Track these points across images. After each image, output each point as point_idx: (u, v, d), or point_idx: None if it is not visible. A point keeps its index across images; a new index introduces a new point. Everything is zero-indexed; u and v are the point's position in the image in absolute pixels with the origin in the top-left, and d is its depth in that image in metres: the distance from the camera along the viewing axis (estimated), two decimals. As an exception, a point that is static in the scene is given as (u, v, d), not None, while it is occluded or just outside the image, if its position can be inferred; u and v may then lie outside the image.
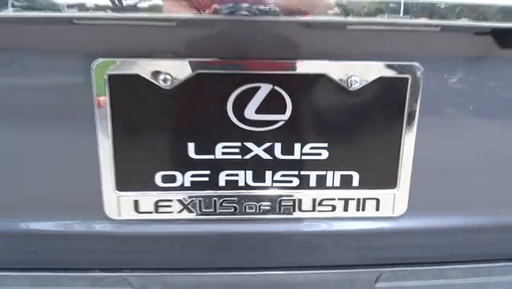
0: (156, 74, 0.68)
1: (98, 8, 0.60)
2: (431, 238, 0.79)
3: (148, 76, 0.68)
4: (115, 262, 0.77)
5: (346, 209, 0.76)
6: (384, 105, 0.72)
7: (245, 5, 0.60)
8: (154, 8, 0.60)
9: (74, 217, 0.75)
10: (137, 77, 0.68)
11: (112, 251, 0.77)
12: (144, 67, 0.68)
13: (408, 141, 0.73)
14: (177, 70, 0.68)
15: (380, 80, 0.70)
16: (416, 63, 0.69)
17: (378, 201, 0.77)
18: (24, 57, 0.67)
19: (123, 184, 0.73)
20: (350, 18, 0.61)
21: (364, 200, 0.76)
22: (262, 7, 0.60)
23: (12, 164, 0.71)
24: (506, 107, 0.72)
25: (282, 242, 0.79)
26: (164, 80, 0.68)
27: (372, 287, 0.76)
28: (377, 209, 0.77)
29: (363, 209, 0.77)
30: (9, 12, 0.58)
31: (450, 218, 0.79)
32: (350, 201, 0.76)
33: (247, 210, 0.76)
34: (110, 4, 0.60)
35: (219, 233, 0.77)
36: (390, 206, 0.77)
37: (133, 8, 0.60)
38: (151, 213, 0.75)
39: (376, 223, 0.78)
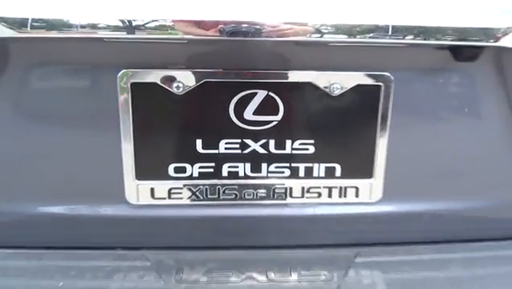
0: (170, 82, 0.82)
1: (108, 28, 0.73)
2: (403, 221, 0.93)
3: (163, 84, 0.82)
4: (134, 241, 0.91)
5: (330, 195, 0.90)
6: (361, 108, 0.86)
7: (244, 26, 0.74)
8: (168, 27, 0.74)
9: (100, 203, 0.89)
10: (154, 84, 0.82)
11: (132, 232, 0.91)
12: (160, 76, 0.81)
13: (382, 138, 0.87)
14: (188, 79, 0.82)
15: (358, 87, 0.84)
16: (387, 73, 0.83)
17: (357, 189, 0.91)
18: (63, 69, 0.81)
19: (141, 174, 0.87)
20: (330, 38, 0.75)
21: (345, 188, 0.90)
22: (258, 28, 0.74)
23: (52, 159, 0.86)
24: (461, 109, 0.87)
25: (276, 224, 0.93)
26: (177, 87, 0.82)
27: (352, 262, 0.89)
28: (356, 196, 0.91)
29: (345, 196, 0.91)
30: (54, 33, 0.73)
31: (419, 204, 0.93)
32: (333, 189, 0.90)
33: (246, 197, 0.90)
34: (121, 24, 0.73)
35: (222, 216, 0.90)
36: (367, 193, 0.91)
37: (147, 28, 0.74)
38: (165, 198, 0.89)
39: (356, 208, 0.91)
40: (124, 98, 0.82)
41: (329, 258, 0.90)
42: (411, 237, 0.94)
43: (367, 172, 0.89)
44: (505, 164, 0.90)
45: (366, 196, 0.91)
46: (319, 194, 0.90)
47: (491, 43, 0.75)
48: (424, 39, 0.77)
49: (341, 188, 0.90)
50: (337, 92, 0.84)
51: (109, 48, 0.79)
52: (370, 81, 0.84)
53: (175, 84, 0.82)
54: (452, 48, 0.80)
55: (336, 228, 0.94)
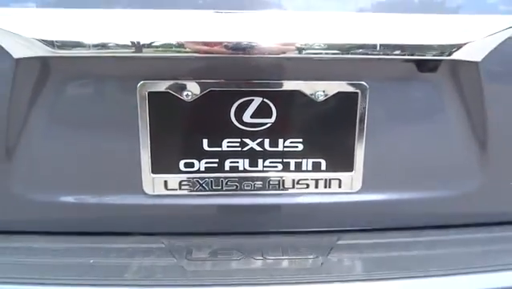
0: (180, 91, 0.98)
1: (118, 46, 0.87)
2: (379, 208, 1.09)
3: (175, 92, 0.98)
4: (150, 226, 1.08)
5: (316, 186, 1.06)
6: (342, 112, 1.02)
7: (243, 45, 0.90)
8: (178, 46, 0.90)
9: (122, 194, 1.05)
10: (167, 93, 0.98)
11: (149, 217, 1.08)
12: (172, 86, 0.98)
13: (360, 137, 1.03)
14: (196, 88, 0.98)
15: (339, 94, 1.00)
16: (363, 82, 0.99)
17: (340, 180, 1.07)
18: (93, 81, 0.98)
19: (156, 169, 1.03)
20: (314, 54, 0.91)
21: (330, 180, 1.06)
22: (254, 46, 0.90)
23: (83, 157, 1.02)
24: (426, 113, 1.03)
25: (271, 211, 1.09)
26: (187, 95, 0.99)
27: (334, 244, 1.05)
28: (339, 187, 1.07)
29: (329, 187, 1.06)
30: (85, 51, 0.89)
31: (392, 193, 1.09)
32: (319, 181, 1.06)
33: (245, 188, 1.05)
34: (139, 45, 0.89)
35: (224, 204, 1.07)
36: (349, 184, 1.07)
37: (161, 47, 0.89)
38: (176, 189, 1.04)
39: (339, 197, 1.07)
40: (143, 104, 0.98)
41: (315, 241, 1.06)
42: (385, 222, 1.10)
43: (348, 166, 1.05)
44: (463, 160, 1.07)
45: (347, 186, 1.07)
46: (308, 185, 1.06)
47: (445, 57, 0.92)
48: (393, 54, 0.93)
49: (326, 180, 1.06)
50: (321, 98, 1.00)
51: (130, 63, 0.96)
52: (349, 89, 1.00)
53: (185, 93, 0.98)
54: (416, 61, 0.96)
55: (322, 214, 1.10)
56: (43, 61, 0.94)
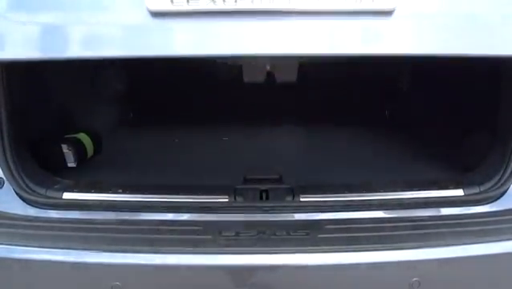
0: None
1: None
2: (414, 31, 0.98)
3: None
4: (153, 48, 0.96)
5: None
6: None
7: None
8: None
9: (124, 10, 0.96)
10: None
11: (151, 40, 0.96)
12: None
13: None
14: None
15: None
16: None
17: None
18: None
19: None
20: None
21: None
22: None
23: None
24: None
25: (296, 32, 0.96)
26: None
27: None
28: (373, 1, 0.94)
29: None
30: None
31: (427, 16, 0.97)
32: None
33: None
34: None
35: (238, 25, 0.95)
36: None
37: None
38: (182, 4, 0.92)
39: (373, 17, 0.95)
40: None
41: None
42: (419, 48, 0.99)
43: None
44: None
45: (381, 3, 0.95)
46: (338, 0, 0.94)
47: None
48: None
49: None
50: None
51: None
52: None
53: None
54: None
55: (355, 34, 0.97)
56: None
